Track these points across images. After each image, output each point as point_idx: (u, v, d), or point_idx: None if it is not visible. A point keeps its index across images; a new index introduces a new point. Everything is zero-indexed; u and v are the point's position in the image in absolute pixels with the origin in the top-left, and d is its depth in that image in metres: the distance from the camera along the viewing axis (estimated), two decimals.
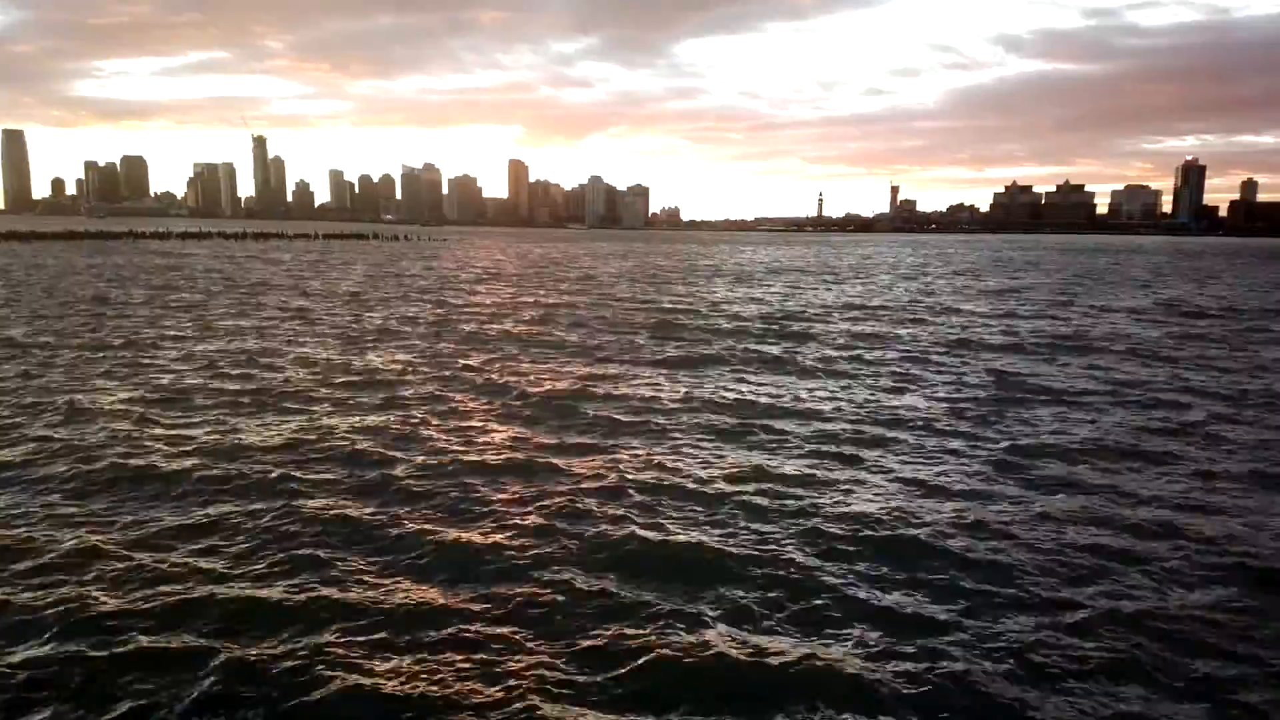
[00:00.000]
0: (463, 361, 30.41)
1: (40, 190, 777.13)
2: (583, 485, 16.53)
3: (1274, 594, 12.20)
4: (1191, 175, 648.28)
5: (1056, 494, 16.57)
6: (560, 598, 11.65)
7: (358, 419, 21.36)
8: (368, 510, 14.86)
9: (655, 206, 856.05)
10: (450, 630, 10.72)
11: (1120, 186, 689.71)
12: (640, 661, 10.07)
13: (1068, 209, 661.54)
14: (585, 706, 9.24)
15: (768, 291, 66.49)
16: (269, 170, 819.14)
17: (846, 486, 16.72)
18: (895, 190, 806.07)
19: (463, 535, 13.82)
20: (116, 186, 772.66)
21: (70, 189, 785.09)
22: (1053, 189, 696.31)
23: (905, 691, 9.61)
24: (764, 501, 15.73)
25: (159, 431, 19.78)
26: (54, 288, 56.98)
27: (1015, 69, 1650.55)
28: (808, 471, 17.68)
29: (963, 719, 9.25)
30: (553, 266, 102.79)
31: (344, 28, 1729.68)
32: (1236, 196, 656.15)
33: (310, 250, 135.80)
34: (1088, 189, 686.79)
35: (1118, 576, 12.82)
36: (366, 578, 12.20)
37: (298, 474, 16.72)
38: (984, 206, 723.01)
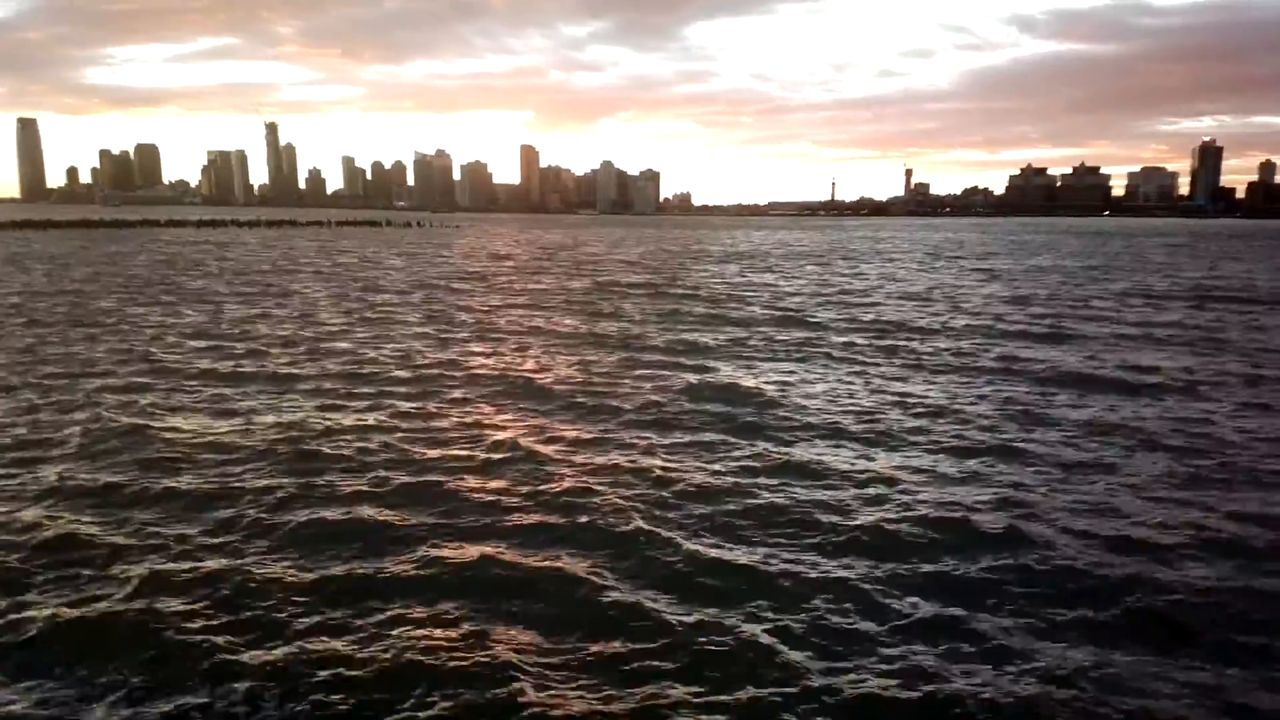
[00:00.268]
0: (478, 353, 30.51)
1: (55, 179, 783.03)
2: (590, 480, 16.18)
3: None
4: (1208, 157, 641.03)
5: (1088, 488, 16.26)
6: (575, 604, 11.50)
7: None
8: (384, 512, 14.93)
9: (667, 191, 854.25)
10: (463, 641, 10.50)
11: (1136, 168, 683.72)
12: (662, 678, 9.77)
13: (1083, 191, 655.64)
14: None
15: (782, 276, 66.34)
16: (281, 157, 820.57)
17: (864, 481, 16.36)
18: (909, 173, 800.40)
19: (480, 545, 13.38)
20: (130, 175, 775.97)
21: (85, 177, 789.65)
22: (1068, 171, 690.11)
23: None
24: (780, 499, 15.39)
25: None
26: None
27: (1029, 49, 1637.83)
28: (828, 466, 17.32)
29: None
30: (561, 252, 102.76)
31: (353, 12, 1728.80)
32: (1254, 178, 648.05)
33: (350, 241, 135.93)
34: (1103, 171, 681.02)
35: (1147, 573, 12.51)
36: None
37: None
38: (998, 189, 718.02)
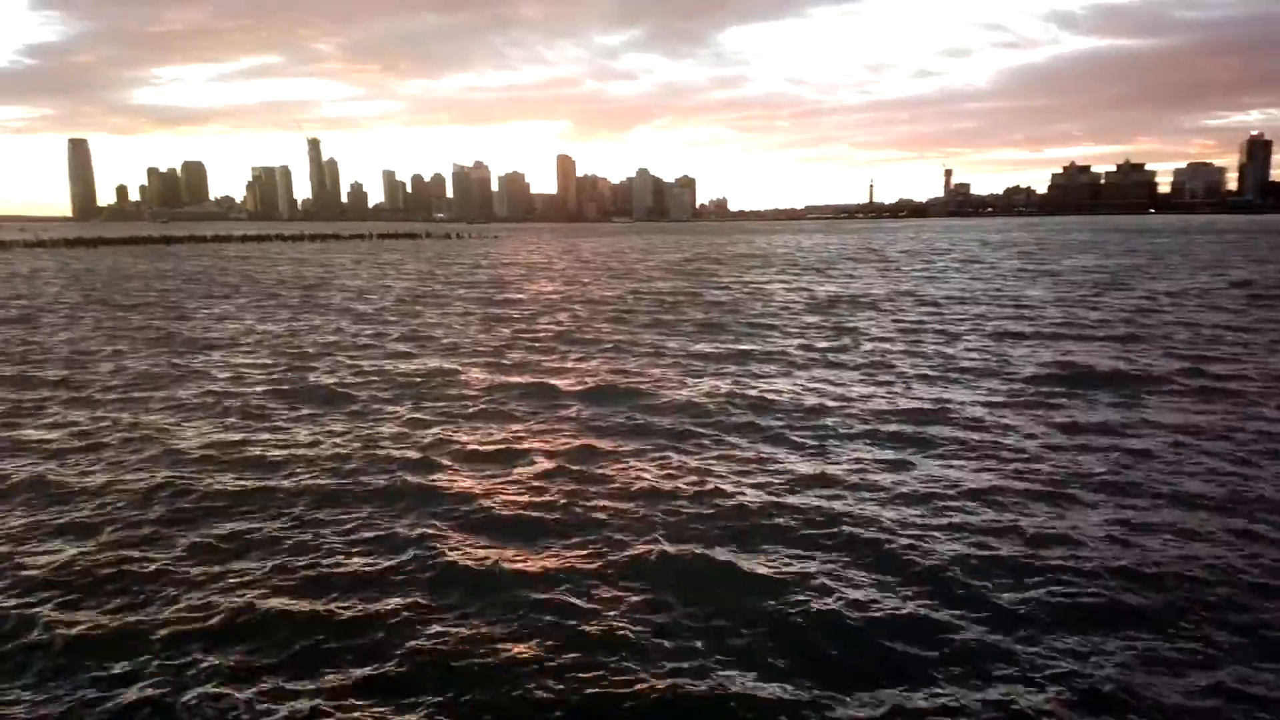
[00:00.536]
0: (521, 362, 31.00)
1: (105, 197, 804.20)
2: (623, 495, 15.93)
3: None
4: (1257, 151, 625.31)
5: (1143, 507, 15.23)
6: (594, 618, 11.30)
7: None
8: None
9: (703, 197, 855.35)
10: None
11: (1183, 165, 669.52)
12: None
13: (1128, 189, 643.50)
14: None
15: (819, 281, 66.20)
16: (324, 172, 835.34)
17: (907, 495, 15.73)
18: (949, 174, 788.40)
19: (511, 554, 13.43)
20: (178, 191, 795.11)
21: (134, 195, 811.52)
22: (1112, 169, 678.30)
23: None
24: (809, 512, 14.85)
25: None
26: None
27: (1070, 46, 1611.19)
28: (866, 479, 16.66)
29: None
30: (599, 258, 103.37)
31: (391, 28, 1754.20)
32: None
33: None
34: (1148, 168, 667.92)
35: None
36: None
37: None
38: (1041, 188, 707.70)
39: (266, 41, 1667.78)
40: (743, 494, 15.84)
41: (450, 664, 10.17)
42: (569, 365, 30.23)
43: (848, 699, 9.48)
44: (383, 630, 10.94)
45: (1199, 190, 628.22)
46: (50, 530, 14.57)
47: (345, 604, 11.65)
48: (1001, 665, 10.06)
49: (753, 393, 24.66)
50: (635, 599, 11.77)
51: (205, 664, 10.22)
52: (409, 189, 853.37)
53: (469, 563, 12.95)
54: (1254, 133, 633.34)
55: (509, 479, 17.05)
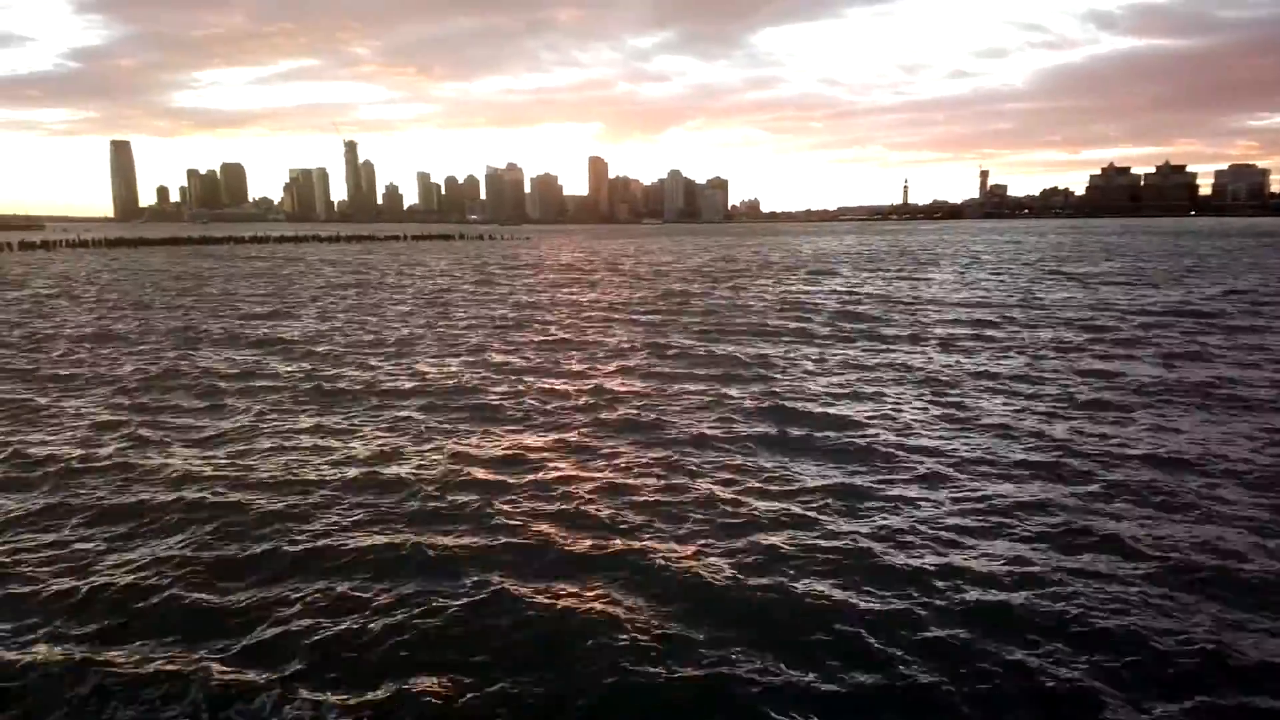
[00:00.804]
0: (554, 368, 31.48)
1: (146, 198, 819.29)
2: (636, 503, 15.55)
3: None
4: None
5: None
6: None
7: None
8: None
9: (734, 199, 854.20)
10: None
11: (1224, 166, 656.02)
12: None
13: (1168, 191, 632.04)
14: None
15: (847, 284, 66.31)
16: (360, 174, 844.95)
17: (928, 517, 14.76)
18: (984, 175, 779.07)
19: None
20: (217, 193, 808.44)
21: (174, 196, 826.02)
22: (1151, 170, 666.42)
23: None
24: (835, 533, 14.02)
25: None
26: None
27: (1108, 46, 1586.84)
28: (897, 495, 15.82)
29: None
30: (625, 259, 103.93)
31: (427, 31, 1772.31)
32: None
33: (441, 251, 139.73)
34: (1189, 169, 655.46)
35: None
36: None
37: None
38: (1079, 190, 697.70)
39: (305, 45, 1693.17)
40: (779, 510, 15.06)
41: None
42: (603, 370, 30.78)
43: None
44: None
45: (1241, 192, 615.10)
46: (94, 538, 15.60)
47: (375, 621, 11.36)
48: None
49: (782, 404, 23.39)
50: (657, 608, 11.58)
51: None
52: (443, 191, 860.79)
53: (501, 575, 12.63)
54: None
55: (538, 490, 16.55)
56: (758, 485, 16.58)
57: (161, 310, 49.82)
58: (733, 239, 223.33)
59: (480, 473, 17.45)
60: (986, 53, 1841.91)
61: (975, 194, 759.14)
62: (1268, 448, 18.63)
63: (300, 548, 13.72)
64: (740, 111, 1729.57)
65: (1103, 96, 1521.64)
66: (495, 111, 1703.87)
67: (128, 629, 11.29)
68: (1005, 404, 23.53)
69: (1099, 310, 45.33)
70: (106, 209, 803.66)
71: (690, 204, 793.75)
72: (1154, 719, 9.24)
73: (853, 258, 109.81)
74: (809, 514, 14.94)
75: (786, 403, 23.46)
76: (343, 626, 11.20)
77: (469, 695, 9.74)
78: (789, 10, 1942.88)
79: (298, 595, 12.07)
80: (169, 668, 10.27)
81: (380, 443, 19.89)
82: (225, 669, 10.22)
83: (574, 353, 33.19)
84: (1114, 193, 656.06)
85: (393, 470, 17.67)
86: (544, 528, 14.54)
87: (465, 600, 11.80)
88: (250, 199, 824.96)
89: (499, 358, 32.01)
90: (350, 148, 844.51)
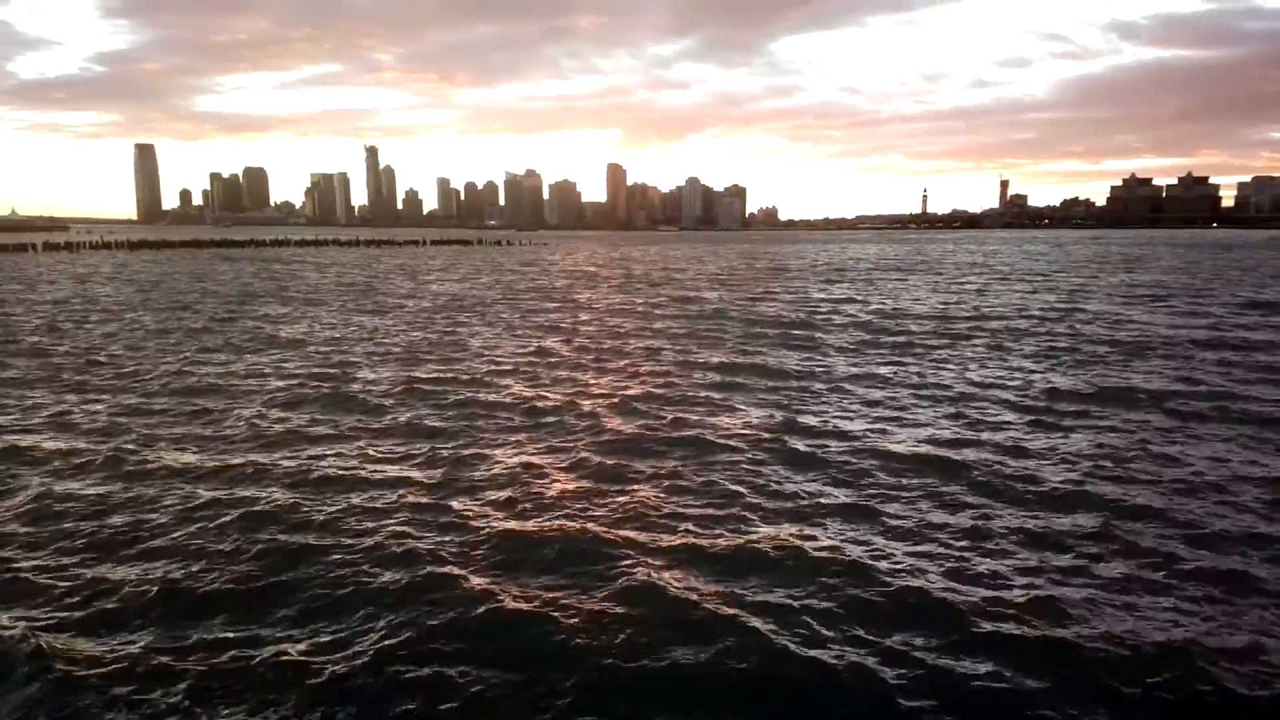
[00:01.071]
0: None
1: (170, 201, 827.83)
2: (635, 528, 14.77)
3: None
4: None
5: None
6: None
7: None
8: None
9: (753, 206, 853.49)
10: None
11: (1247, 178, 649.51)
12: None
13: (1191, 202, 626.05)
14: None
15: (861, 294, 66.31)
16: (381, 179, 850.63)
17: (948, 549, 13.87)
18: (1005, 185, 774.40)
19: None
20: (239, 196, 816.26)
21: (197, 199, 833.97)
22: (1174, 181, 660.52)
23: None
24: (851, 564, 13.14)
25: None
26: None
27: (1131, 57, 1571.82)
28: (915, 526, 14.89)
29: None
30: (637, 267, 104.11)
31: (449, 38, 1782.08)
32: None
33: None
34: (1212, 181, 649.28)
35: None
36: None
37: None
38: (1100, 200, 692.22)
39: (328, 51, 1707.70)
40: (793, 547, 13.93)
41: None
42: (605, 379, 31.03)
43: None
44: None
45: (1265, 204, 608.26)
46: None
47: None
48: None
49: (792, 421, 22.61)
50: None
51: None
52: (462, 196, 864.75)
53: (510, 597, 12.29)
54: None
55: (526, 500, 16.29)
56: (769, 503, 16.14)
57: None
58: (750, 246, 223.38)
59: (477, 483, 17.40)
60: (1008, 62, 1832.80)
61: (995, 204, 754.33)
62: None
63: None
64: (760, 119, 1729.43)
65: (1125, 107, 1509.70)
66: (515, 118, 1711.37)
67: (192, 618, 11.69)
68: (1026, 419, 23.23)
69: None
70: (130, 211, 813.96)
71: (708, 211, 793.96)
72: None
73: (871, 266, 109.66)
74: (812, 532, 14.55)
75: (799, 417, 22.91)
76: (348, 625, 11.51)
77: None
78: (810, 19, 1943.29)
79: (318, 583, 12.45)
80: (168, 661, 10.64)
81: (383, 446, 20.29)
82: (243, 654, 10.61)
83: (587, 358, 33.61)
84: (1136, 204, 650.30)
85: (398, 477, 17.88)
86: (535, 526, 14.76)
87: (456, 611, 11.86)
88: (272, 203, 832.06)
89: (510, 363, 32.38)
90: (371, 153, 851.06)
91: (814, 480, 17.52)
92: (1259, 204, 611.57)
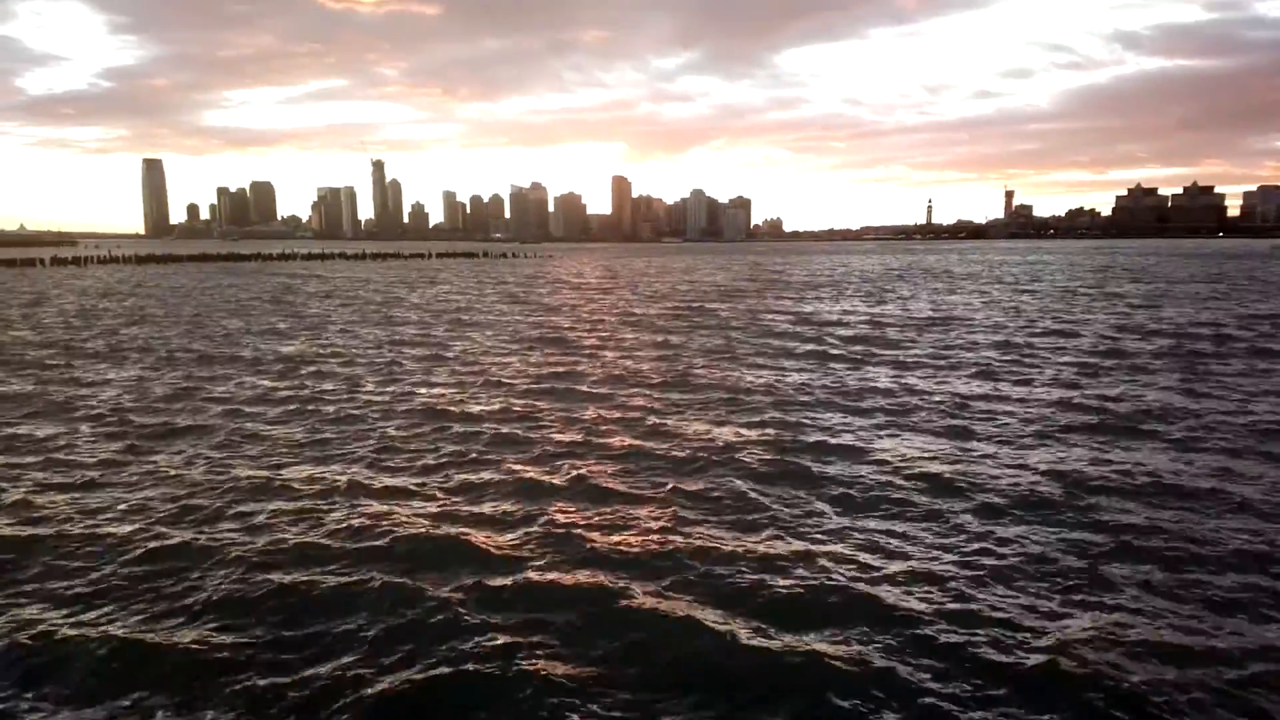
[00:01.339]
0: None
1: (177, 215, 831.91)
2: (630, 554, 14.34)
3: None
4: None
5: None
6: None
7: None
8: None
9: (757, 218, 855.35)
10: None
11: (1252, 187, 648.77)
12: None
13: (1196, 212, 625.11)
14: None
15: (865, 304, 66.32)
16: (387, 193, 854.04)
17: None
18: (1010, 195, 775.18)
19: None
20: (246, 210, 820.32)
21: (204, 214, 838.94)
22: (1179, 191, 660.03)
23: None
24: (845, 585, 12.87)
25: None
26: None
27: (1134, 67, 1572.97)
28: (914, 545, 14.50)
29: None
30: (641, 280, 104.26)
31: (453, 53, 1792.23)
32: None
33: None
34: (1217, 190, 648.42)
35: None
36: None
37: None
38: (1106, 210, 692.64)
39: (333, 66, 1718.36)
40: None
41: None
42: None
43: None
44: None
45: (1271, 214, 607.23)
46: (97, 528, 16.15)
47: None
48: None
49: (794, 438, 22.61)
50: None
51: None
52: (468, 209, 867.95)
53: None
54: None
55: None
56: (765, 519, 15.96)
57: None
58: (755, 258, 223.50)
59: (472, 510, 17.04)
60: (1011, 73, 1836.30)
61: (1000, 214, 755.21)
62: None
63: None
64: (763, 131, 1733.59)
65: (1129, 117, 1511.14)
66: (520, 131, 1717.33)
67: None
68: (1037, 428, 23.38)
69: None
70: (138, 226, 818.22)
71: (713, 223, 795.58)
72: None
73: (874, 277, 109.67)
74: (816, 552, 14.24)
75: (801, 433, 22.56)
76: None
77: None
78: (812, 31, 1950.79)
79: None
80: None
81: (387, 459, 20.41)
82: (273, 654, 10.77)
83: (583, 369, 33.71)
84: (1141, 213, 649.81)
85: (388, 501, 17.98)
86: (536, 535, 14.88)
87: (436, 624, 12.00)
88: (279, 217, 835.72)
89: (503, 377, 32.49)
90: (378, 166, 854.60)
91: (819, 499, 17.14)
92: (1265, 213, 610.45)
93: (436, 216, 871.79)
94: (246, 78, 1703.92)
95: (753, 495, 17.32)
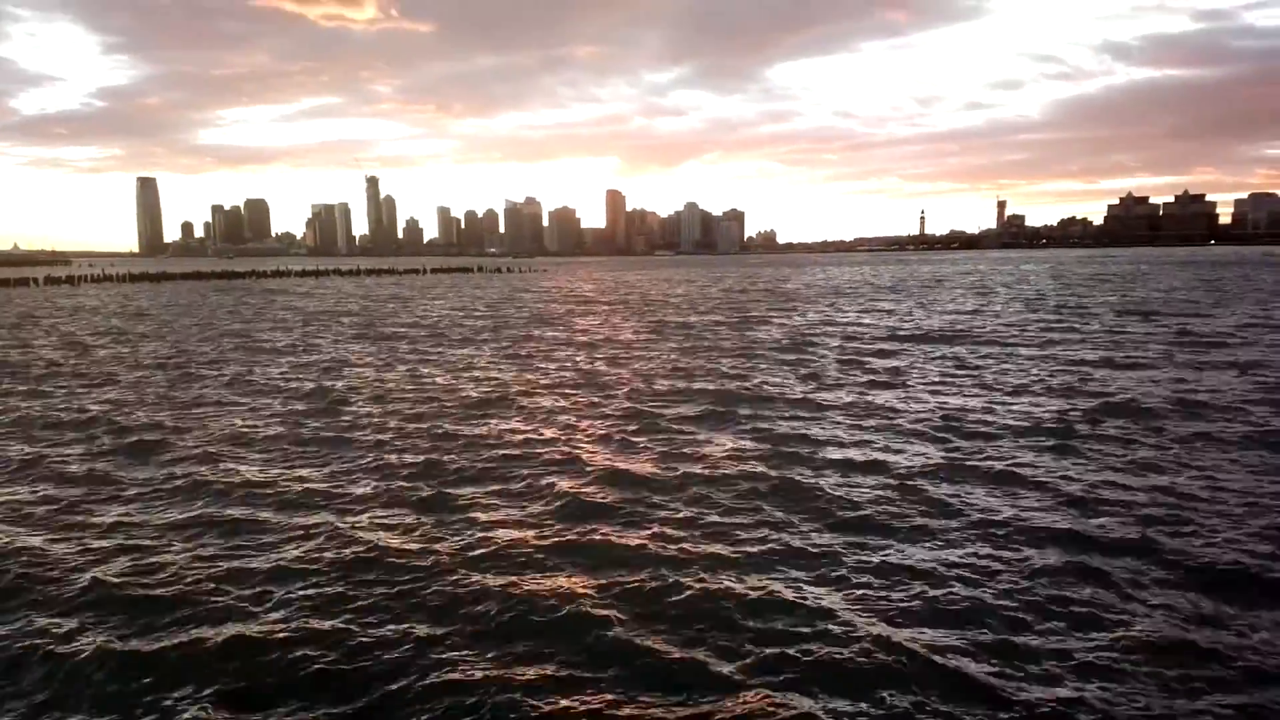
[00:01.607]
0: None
1: (171, 234, 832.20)
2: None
3: None
4: None
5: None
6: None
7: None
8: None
9: (751, 230, 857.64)
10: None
11: (1242, 195, 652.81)
12: None
13: (1188, 220, 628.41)
14: None
15: (861, 313, 66.46)
16: (381, 209, 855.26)
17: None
18: (1002, 205, 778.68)
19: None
20: (240, 228, 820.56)
21: (199, 232, 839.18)
22: (1170, 200, 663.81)
23: None
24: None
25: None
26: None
27: (1124, 77, 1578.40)
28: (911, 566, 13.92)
29: None
30: (632, 295, 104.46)
31: (446, 69, 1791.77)
32: None
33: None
34: (1209, 198, 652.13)
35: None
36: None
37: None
38: (1098, 220, 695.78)
39: (327, 84, 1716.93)
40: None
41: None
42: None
43: None
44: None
45: (1262, 221, 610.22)
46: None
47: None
48: None
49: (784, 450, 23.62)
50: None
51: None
52: (463, 225, 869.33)
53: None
54: None
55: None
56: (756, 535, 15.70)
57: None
58: (748, 270, 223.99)
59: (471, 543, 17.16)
60: (1001, 84, 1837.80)
61: (993, 224, 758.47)
62: None
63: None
64: (756, 144, 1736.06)
65: (1119, 126, 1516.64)
66: (514, 146, 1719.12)
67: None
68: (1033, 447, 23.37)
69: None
70: (132, 244, 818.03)
71: (707, 236, 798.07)
72: None
73: (870, 287, 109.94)
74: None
75: (794, 447, 22.17)
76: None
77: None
78: (804, 45, 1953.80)
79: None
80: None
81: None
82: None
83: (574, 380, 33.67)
84: (1133, 222, 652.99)
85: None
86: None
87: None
88: (273, 234, 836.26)
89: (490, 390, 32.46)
90: (372, 183, 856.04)
91: (809, 517, 16.70)
92: (1256, 220, 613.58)
93: (431, 232, 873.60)
94: (240, 96, 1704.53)
95: (739, 509, 17.22)
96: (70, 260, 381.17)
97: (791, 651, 11.28)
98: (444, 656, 11.21)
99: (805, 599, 12.78)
